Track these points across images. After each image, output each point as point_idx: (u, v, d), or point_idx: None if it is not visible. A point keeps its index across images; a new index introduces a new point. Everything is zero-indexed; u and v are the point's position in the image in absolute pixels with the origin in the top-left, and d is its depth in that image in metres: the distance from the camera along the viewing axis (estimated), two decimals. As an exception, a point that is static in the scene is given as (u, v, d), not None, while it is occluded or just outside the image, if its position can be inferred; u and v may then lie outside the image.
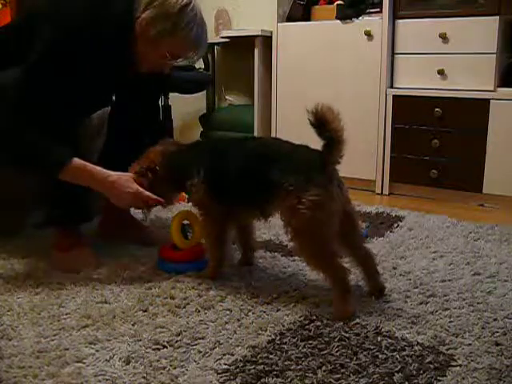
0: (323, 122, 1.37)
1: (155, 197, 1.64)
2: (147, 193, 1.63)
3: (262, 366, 1.18)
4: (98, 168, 1.62)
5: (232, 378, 1.14)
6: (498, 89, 2.64)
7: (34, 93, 1.57)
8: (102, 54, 1.60)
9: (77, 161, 1.58)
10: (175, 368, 1.18)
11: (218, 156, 1.61)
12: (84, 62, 1.58)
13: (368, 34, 2.90)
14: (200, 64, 3.66)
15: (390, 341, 1.29)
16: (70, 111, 1.61)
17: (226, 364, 1.19)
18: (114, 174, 1.62)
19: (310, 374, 1.15)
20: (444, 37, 2.71)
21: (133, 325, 1.36)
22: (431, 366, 1.19)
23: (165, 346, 1.26)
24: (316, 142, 1.42)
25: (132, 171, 1.67)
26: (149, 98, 1.95)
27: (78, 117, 1.68)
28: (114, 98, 1.93)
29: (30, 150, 1.59)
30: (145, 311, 1.44)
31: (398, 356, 1.22)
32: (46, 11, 1.65)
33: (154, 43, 1.61)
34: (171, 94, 3.70)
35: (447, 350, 1.26)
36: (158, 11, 1.59)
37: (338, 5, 3.02)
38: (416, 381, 1.14)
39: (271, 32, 3.25)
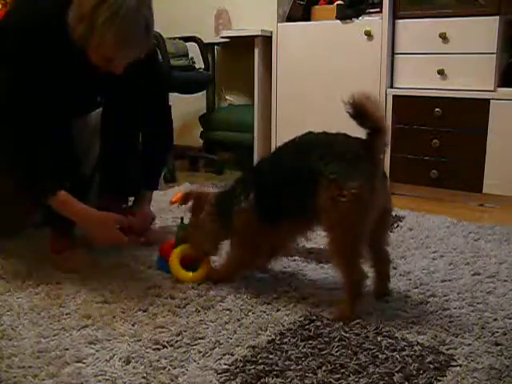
0: (363, 113, 1.31)
1: (127, 239, 1.70)
2: (123, 237, 1.69)
3: (262, 366, 1.18)
4: (81, 206, 1.66)
5: (232, 377, 1.14)
6: (498, 89, 2.64)
7: (13, 96, 1.57)
8: (58, 53, 1.56)
9: (62, 195, 1.61)
10: (175, 368, 1.18)
11: (261, 172, 1.54)
12: (44, 61, 1.55)
13: (368, 34, 2.89)
14: (200, 64, 3.66)
15: (389, 341, 1.28)
16: (49, 112, 1.59)
17: (226, 364, 1.19)
18: (96, 214, 1.69)
19: (310, 374, 1.15)
20: (444, 37, 2.71)
21: (133, 325, 1.36)
22: (431, 366, 1.19)
23: (165, 346, 1.26)
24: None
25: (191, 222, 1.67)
26: (140, 97, 1.92)
27: (60, 118, 1.67)
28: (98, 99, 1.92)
29: (21, 175, 1.63)
30: (145, 311, 1.44)
31: (397, 356, 1.22)
32: (13, 10, 1.69)
33: (82, 45, 1.52)
34: (171, 94, 3.68)
35: (447, 349, 1.26)
36: (76, 13, 1.48)
37: (338, 5, 3.02)
38: (416, 381, 1.14)
39: (271, 32, 3.24)
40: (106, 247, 1.77)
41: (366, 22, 2.92)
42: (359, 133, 1.38)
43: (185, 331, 1.33)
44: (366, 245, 1.43)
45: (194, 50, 3.65)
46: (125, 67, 1.60)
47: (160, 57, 3.07)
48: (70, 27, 1.50)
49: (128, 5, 1.46)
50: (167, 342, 1.27)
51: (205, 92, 3.79)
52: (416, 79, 2.84)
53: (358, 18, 2.94)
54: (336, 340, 1.29)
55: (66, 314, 1.42)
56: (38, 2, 1.62)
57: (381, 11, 2.86)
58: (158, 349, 1.25)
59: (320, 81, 3.07)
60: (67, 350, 1.24)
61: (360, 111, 1.32)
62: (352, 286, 1.40)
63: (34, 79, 1.56)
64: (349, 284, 1.40)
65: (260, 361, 1.20)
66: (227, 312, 1.44)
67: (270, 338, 1.30)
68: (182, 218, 1.77)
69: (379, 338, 1.30)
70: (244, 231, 1.55)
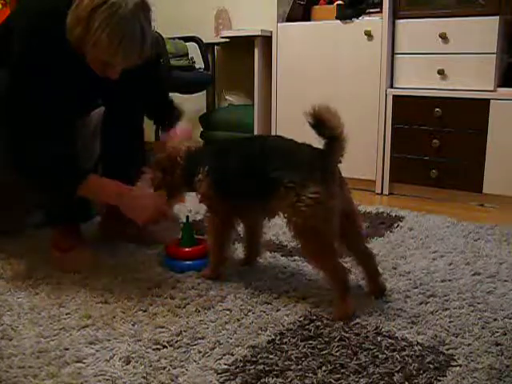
0: (321, 122, 1.37)
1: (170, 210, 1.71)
2: (165, 207, 1.68)
3: (262, 366, 1.18)
4: (115, 182, 1.64)
5: (232, 377, 1.14)
6: (498, 89, 2.64)
7: (22, 97, 1.57)
8: (61, 54, 1.55)
9: (93, 177, 1.61)
10: (175, 368, 1.18)
11: (221, 154, 1.62)
12: (53, 60, 1.56)
13: (368, 34, 2.89)
14: (200, 64, 3.66)
15: (389, 341, 1.29)
16: (59, 111, 1.59)
17: (226, 364, 1.19)
18: (132, 188, 1.66)
19: (310, 374, 1.15)
20: (444, 37, 2.71)
21: (133, 325, 1.36)
22: (431, 365, 1.19)
23: (165, 346, 1.26)
24: (317, 143, 1.42)
25: (154, 163, 1.70)
26: (141, 97, 1.92)
27: (67, 117, 1.67)
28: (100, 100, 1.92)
29: (44, 168, 1.59)
30: (145, 311, 1.44)
31: (397, 356, 1.22)
32: (18, 10, 1.70)
33: (79, 49, 1.52)
34: (171, 94, 3.69)
35: (447, 350, 1.26)
36: (73, 16, 1.48)
37: (338, 5, 3.02)
38: (416, 381, 1.14)
39: (271, 32, 3.24)
40: (151, 224, 1.75)
41: (366, 22, 2.91)
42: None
43: (185, 331, 1.33)
44: (346, 247, 1.49)
45: (194, 50, 3.65)
46: (121, 73, 1.60)
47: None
48: (67, 29, 1.50)
49: (124, 10, 1.45)
50: (167, 342, 1.27)
51: (205, 92, 3.79)
52: (416, 79, 2.84)
53: (358, 17, 2.94)
54: (336, 340, 1.29)
55: (66, 314, 1.42)
56: (45, 2, 1.62)
57: (381, 11, 2.86)
58: (158, 349, 1.25)
59: (320, 81, 3.07)
60: (67, 349, 1.24)
61: (318, 119, 1.37)
62: (337, 283, 1.42)
63: (39, 80, 1.57)
64: (333, 283, 1.43)
65: (260, 361, 1.20)
66: (227, 312, 1.44)
67: (270, 338, 1.30)
68: (187, 217, 1.77)
69: (379, 338, 1.30)
70: (204, 200, 1.63)
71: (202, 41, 3.66)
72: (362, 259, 1.53)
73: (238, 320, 1.40)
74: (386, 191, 2.95)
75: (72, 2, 1.50)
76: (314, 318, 1.40)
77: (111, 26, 1.45)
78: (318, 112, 1.37)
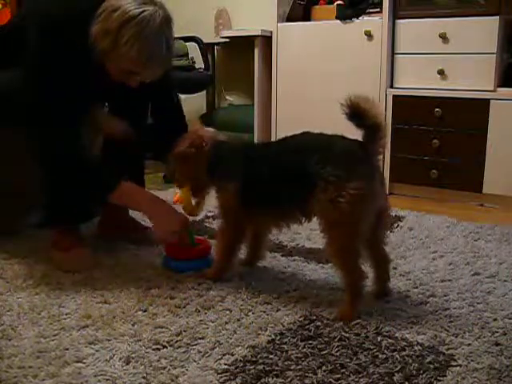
0: (360, 112, 1.33)
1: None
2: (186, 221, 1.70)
3: (262, 366, 1.18)
4: (146, 190, 1.69)
5: (232, 378, 1.14)
6: (498, 89, 2.64)
7: (42, 95, 1.58)
8: (77, 56, 1.56)
9: (127, 182, 1.63)
10: (175, 368, 1.18)
11: (254, 159, 1.55)
12: (68, 61, 1.57)
13: (368, 34, 2.90)
14: (200, 64, 3.66)
15: (389, 341, 1.28)
16: (73, 109, 1.60)
17: (226, 364, 1.19)
18: (166, 203, 1.69)
19: (310, 374, 1.15)
20: (444, 37, 2.71)
21: (133, 325, 1.36)
22: (431, 366, 1.19)
23: (165, 346, 1.26)
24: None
25: (181, 145, 1.62)
26: (146, 96, 1.92)
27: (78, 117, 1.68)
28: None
29: (76, 175, 1.63)
30: (145, 311, 1.44)
31: (397, 356, 1.22)
32: (33, 10, 1.68)
33: (103, 57, 1.55)
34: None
35: (447, 349, 1.26)
36: (101, 26, 1.51)
37: (338, 5, 3.02)
38: (416, 381, 1.14)
39: (271, 32, 3.25)
40: (162, 240, 1.75)
41: (366, 21, 2.92)
42: (359, 132, 1.39)
43: (185, 331, 1.33)
44: (365, 245, 1.44)
45: (194, 50, 3.65)
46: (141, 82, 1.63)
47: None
48: (92, 38, 1.52)
49: (152, 25, 1.50)
50: (167, 342, 1.27)
51: (205, 92, 3.79)
52: (416, 79, 2.84)
53: (358, 18, 2.94)
54: (336, 340, 1.29)
55: (66, 314, 1.42)
56: (61, 6, 1.62)
57: (381, 11, 2.86)
58: (158, 349, 1.25)
59: (320, 81, 3.07)
60: (67, 350, 1.24)
61: (356, 110, 1.34)
62: (352, 286, 1.40)
63: (54, 79, 1.57)
64: (349, 284, 1.41)
65: (260, 361, 1.20)
66: (227, 312, 1.44)
67: (270, 338, 1.30)
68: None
69: (379, 338, 1.30)
70: (226, 208, 1.59)
71: (201, 41, 3.66)
72: (378, 261, 1.50)
73: (238, 320, 1.40)
74: (385, 191, 2.95)
75: (89, 10, 1.51)
76: (314, 318, 1.40)
77: (140, 41, 1.49)
78: (355, 102, 1.33)
